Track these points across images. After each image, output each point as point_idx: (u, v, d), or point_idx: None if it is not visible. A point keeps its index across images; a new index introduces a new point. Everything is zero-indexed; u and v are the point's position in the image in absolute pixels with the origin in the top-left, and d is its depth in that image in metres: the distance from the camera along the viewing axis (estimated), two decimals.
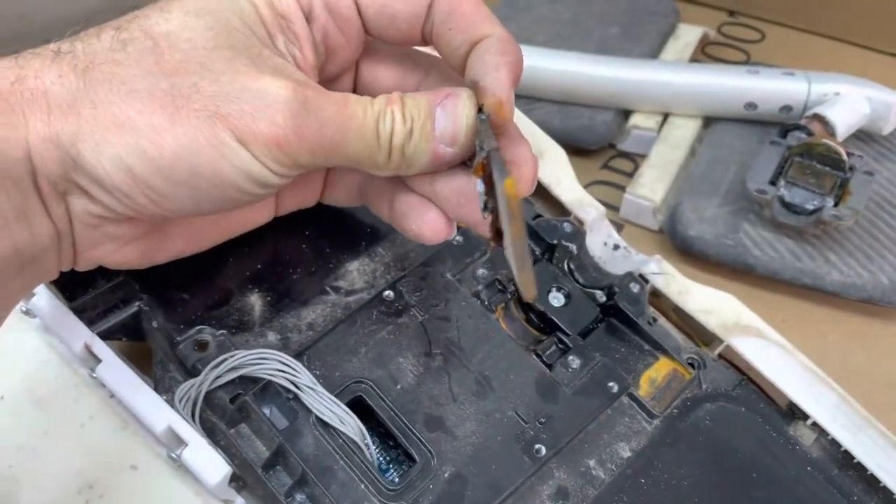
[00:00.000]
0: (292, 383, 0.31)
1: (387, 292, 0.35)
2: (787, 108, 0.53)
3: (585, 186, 0.43)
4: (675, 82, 0.54)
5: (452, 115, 0.25)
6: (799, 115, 0.52)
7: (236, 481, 0.30)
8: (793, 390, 0.36)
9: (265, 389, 0.31)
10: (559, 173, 0.42)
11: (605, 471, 0.32)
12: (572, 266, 0.38)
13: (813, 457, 0.35)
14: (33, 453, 0.30)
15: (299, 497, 0.30)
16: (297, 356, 0.32)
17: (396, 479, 0.31)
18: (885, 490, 0.34)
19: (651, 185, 0.52)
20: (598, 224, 0.41)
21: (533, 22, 0.61)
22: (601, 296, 0.37)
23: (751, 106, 0.53)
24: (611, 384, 0.34)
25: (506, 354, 0.34)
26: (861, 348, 0.46)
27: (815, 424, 0.35)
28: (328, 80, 0.29)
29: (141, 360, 0.33)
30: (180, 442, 0.29)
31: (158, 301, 0.33)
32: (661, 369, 0.36)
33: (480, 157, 0.25)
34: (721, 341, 0.37)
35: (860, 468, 0.34)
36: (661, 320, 0.38)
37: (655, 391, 0.35)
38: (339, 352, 0.33)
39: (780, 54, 0.62)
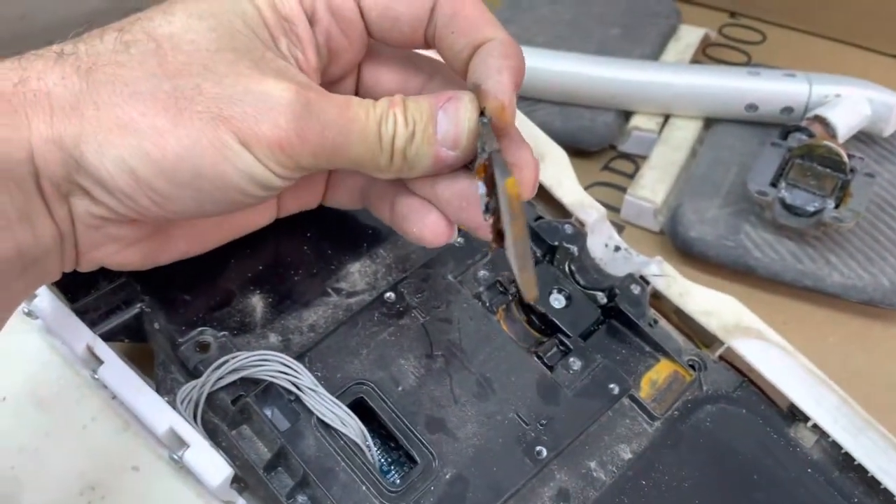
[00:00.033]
0: (294, 385, 0.31)
1: (388, 294, 0.35)
2: (788, 110, 0.53)
3: (586, 188, 0.43)
4: (675, 83, 0.54)
5: (454, 119, 0.26)
6: (800, 117, 0.52)
7: (238, 482, 0.30)
8: (793, 392, 0.36)
9: (267, 391, 0.31)
10: (560, 175, 0.42)
11: (606, 472, 0.33)
12: (573, 268, 0.38)
13: (813, 459, 0.35)
14: (35, 454, 0.30)
15: (301, 498, 0.30)
16: (299, 358, 0.32)
17: (398, 481, 0.31)
18: (886, 492, 0.34)
19: (652, 187, 0.52)
20: (599, 226, 0.41)
21: (534, 23, 0.61)
22: (602, 297, 0.37)
23: (752, 107, 0.53)
24: (612, 386, 0.34)
25: (507, 356, 0.34)
26: (862, 350, 0.46)
27: (815, 426, 0.35)
28: (330, 83, 0.29)
29: (143, 361, 0.33)
30: (182, 443, 0.29)
31: (160, 302, 0.34)
32: (661, 371, 0.36)
33: (482, 158, 0.25)
34: (722, 343, 0.37)
35: (861, 470, 0.34)
36: (662, 322, 0.38)
37: (656, 393, 0.35)
38: (340, 353, 0.33)
39: (780, 55, 0.62)
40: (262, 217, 0.32)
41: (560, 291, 0.37)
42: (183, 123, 0.23)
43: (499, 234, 0.26)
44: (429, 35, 0.27)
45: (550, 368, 0.34)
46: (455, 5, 0.26)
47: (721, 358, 0.38)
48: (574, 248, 0.38)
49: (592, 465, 0.33)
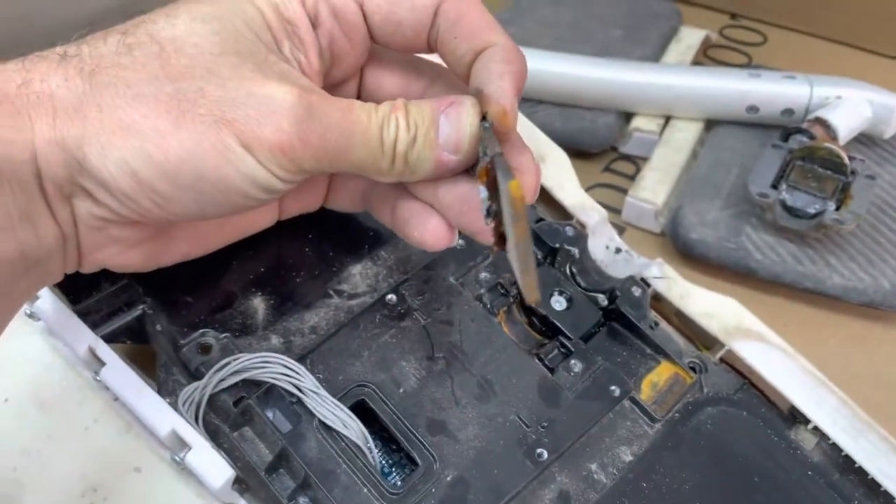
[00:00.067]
0: (295, 387, 0.31)
1: (389, 296, 0.35)
2: (788, 112, 0.53)
3: (587, 189, 0.43)
4: (676, 85, 0.55)
5: (456, 123, 0.26)
6: (801, 119, 0.52)
7: (239, 484, 0.30)
8: (794, 394, 0.36)
9: (268, 393, 0.32)
10: (561, 177, 0.42)
11: (607, 475, 0.33)
12: (574, 270, 0.38)
13: (814, 461, 0.35)
14: (37, 456, 0.30)
15: (302, 500, 0.30)
16: (301, 360, 0.32)
17: (399, 483, 0.32)
18: (886, 494, 0.34)
19: (653, 188, 0.52)
20: (600, 228, 0.41)
21: (535, 24, 0.61)
22: (603, 299, 0.38)
23: (752, 109, 0.53)
24: (612, 388, 0.34)
25: (508, 358, 0.34)
26: (862, 352, 0.46)
27: (816, 428, 0.35)
28: (333, 86, 0.29)
29: (145, 362, 0.33)
30: (184, 445, 0.29)
31: (162, 304, 0.34)
32: (662, 373, 0.36)
33: (484, 162, 0.25)
34: (722, 345, 0.37)
35: (861, 472, 0.34)
36: (663, 324, 0.38)
37: (657, 395, 0.36)
38: (341, 355, 0.33)
39: (781, 57, 0.63)
40: (263, 219, 0.32)
41: (561, 293, 0.37)
42: (185, 126, 0.24)
43: (500, 238, 0.26)
44: (431, 39, 0.27)
45: (551, 370, 0.35)
46: (458, 10, 0.26)
47: (722, 360, 0.38)
48: (575, 251, 0.38)
49: (593, 467, 0.33)
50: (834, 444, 0.35)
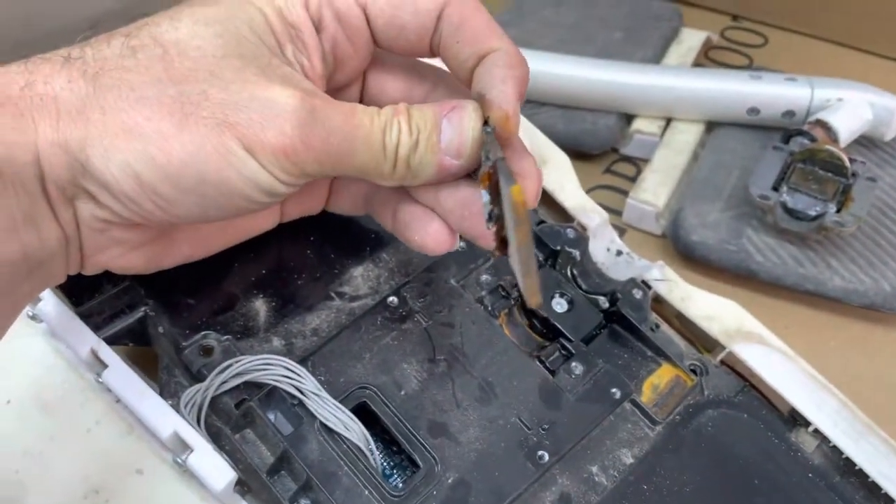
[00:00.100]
0: (297, 389, 0.31)
1: (391, 298, 0.35)
2: (789, 114, 0.53)
3: (588, 191, 0.43)
4: (677, 87, 0.55)
5: (458, 128, 0.26)
6: (802, 121, 0.52)
7: (240, 486, 0.31)
8: (795, 397, 0.36)
9: (270, 395, 0.32)
10: (562, 179, 0.42)
11: (608, 477, 0.33)
12: (575, 272, 0.38)
13: (815, 463, 0.35)
14: (40, 458, 0.30)
15: (303, 502, 0.30)
16: (302, 362, 0.33)
17: (400, 485, 0.32)
18: (887, 497, 0.34)
19: (654, 190, 0.52)
20: (601, 230, 0.41)
21: (536, 26, 0.61)
22: (604, 302, 0.38)
23: (753, 111, 0.53)
24: (613, 390, 0.35)
25: (509, 360, 0.34)
26: (863, 354, 0.46)
27: (816, 431, 0.36)
28: (336, 90, 0.29)
29: (147, 364, 0.33)
30: (186, 447, 0.29)
31: (164, 306, 0.34)
32: (663, 375, 0.36)
33: (486, 166, 0.25)
34: (723, 348, 0.38)
35: (861, 475, 0.35)
36: (664, 326, 0.38)
37: (658, 397, 0.36)
38: (343, 358, 0.33)
39: (782, 58, 0.63)
40: (265, 221, 0.32)
41: (562, 296, 0.37)
42: (188, 129, 0.24)
43: (502, 242, 0.26)
44: (434, 44, 0.27)
45: (552, 373, 0.35)
46: (461, 15, 0.26)
47: (722, 362, 0.38)
48: (576, 253, 0.38)
49: (594, 469, 0.33)
50: (834, 447, 0.35)
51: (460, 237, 0.29)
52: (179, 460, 0.29)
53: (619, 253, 0.41)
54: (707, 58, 0.64)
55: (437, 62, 0.29)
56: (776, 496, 0.33)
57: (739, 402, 0.36)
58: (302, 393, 0.31)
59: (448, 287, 0.36)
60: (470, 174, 0.27)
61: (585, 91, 0.55)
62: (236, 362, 0.31)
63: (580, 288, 0.38)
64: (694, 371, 0.37)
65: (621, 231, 0.52)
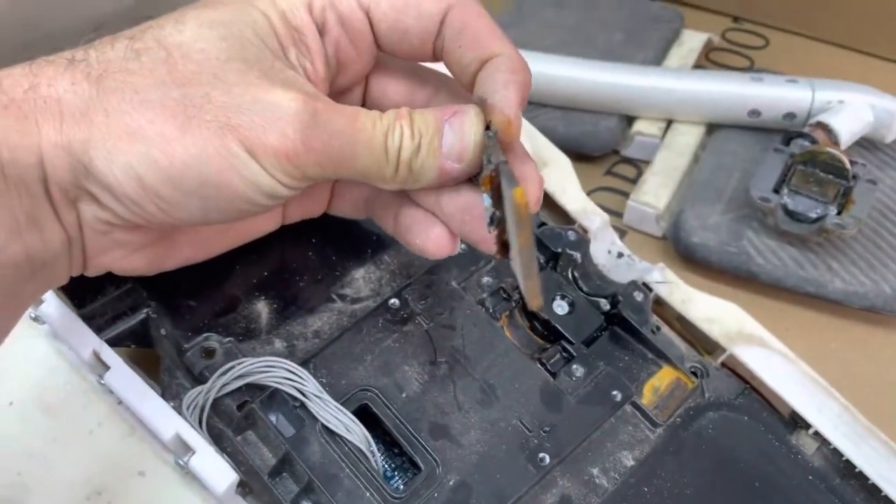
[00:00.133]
0: (299, 391, 0.32)
1: (392, 300, 0.35)
2: (790, 116, 0.53)
3: (589, 193, 0.43)
4: (678, 89, 0.55)
5: (460, 132, 0.26)
6: (802, 123, 0.52)
7: (242, 487, 0.31)
8: (795, 399, 0.36)
9: (272, 397, 0.32)
10: (564, 182, 0.42)
11: (609, 479, 0.33)
12: (576, 274, 0.38)
13: (815, 466, 0.35)
14: (42, 459, 0.30)
15: None
16: (304, 364, 0.33)
17: (401, 487, 0.32)
18: (887, 500, 0.34)
19: (654, 192, 0.52)
20: (602, 232, 0.41)
21: (538, 27, 0.61)
22: (605, 304, 0.38)
23: (754, 113, 0.53)
24: (614, 393, 0.35)
25: (510, 363, 0.35)
26: (863, 357, 0.46)
27: (817, 434, 0.36)
28: (338, 93, 0.29)
29: (149, 366, 0.33)
30: (188, 449, 0.29)
31: (166, 308, 0.34)
32: (664, 378, 0.36)
33: (488, 169, 0.25)
34: (724, 350, 0.38)
35: (862, 478, 0.35)
36: (665, 329, 0.38)
37: (658, 400, 0.36)
38: (345, 360, 0.33)
39: (783, 60, 0.63)
40: (266, 224, 0.32)
41: (563, 298, 0.37)
42: (191, 132, 0.24)
43: (503, 245, 0.26)
44: (437, 48, 0.27)
45: (553, 375, 0.35)
46: (464, 19, 0.26)
47: (723, 365, 0.38)
48: (577, 255, 0.39)
49: (595, 471, 0.33)
50: (835, 449, 0.35)
51: (461, 240, 0.29)
52: (181, 462, 0.29)
53: (620, 255, 0.41)
54: (708, 59, 0.64)
55: (439, 66, 0.29)
56: (776, 498, 0.33)
57: (740, 405, 0.36)
58: (304, 395, 0.32)
59: (449, 289, 0.36)
60: (471, 179, 0.27)
61: (586, 93, 0.55)
62: (238, 364, 0.31)
63: (581, 290, 0.38)
64: (695, 373, 0.37)
65: (622, 233, 0.52)
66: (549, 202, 0.42)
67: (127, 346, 0.34)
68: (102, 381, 0.31)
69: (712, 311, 0.39)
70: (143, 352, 0.34)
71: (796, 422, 0.36)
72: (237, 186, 0.24)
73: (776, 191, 0.48)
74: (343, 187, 0.32)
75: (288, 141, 0.24)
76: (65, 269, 0.26)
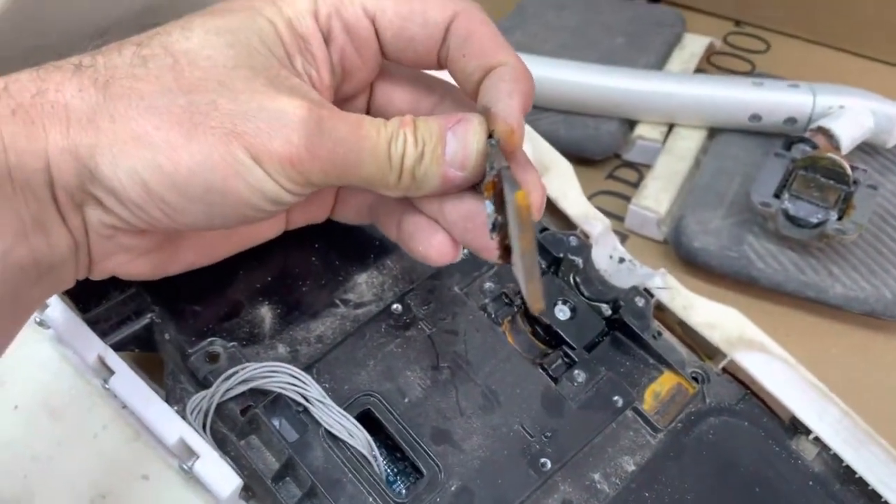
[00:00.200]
0: (302, 396, 0.32)
1: (395, 305, 0.35)
2: (791, 120, 0.53)
3: (590, 197, 0.43)
4: (680, 93, 0.55)
5: (463, 140, 0.26)
6: (803, 128, 0.53)
7: (245, 492, 0.31)
8: (795, 405, 0.36)
9: (275, 402, 0.32)
10: (565, 187, 0.42)
11: (610, 484, 0.33)
12: (578, 279, 0.38)
13: (815, 471, 0.35)
14: (47, 463, 0.30)
15: None
16: (307, 369, 0.33)
17: (404, 492, 0.32)
18: None
19: (656, 196, 0.52)
20: (603, 237, 0.41)
21: (539, 30, 0.62)
22: (606, 309, 0.38)
23: (755, 118, 0.54)
24: (616, 398, 0.35)
25: (512, 368, 0.35)
26: (864, 362, 0.46)
27: (817, 439, 0.36)
28: (343, 101, 0.29)
29: (153, 370, 0.34)
30: (192, 453, 0.30)
31: (170, 313, 0.34)
32: (665, 383, 0.37)
33: (491, 175, 0.25)
34: (725, 355, 0.38)
35: (862, 483, 0.35)
36: (666, 334, 0.38)
37: (660, 405, 0.36)
38: (347, 365, 0.33)
39: (784, 64, 0.63)
40: (270, 229, 0.33)
41: (565, 303, 0.37)
42: (197, 138, 0.24)
43: (506, 251, 0.26)
44: (442, 56, 0.28)
45: (555, 380, 0.35)
46: (469, 28, 0.27)
47: (724, 370, 0.38)
48: (579, 260, 0.39)
49: (596, 476, 0.33)
50: (835, 455, 0.35)
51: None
52: (185, 466, 0.30)
53: (621, 260, 0.41)
54: (709, 63, 0.64)
55: (444, 75, 0.29)
56: None
57: (740, 410, 0.36)
58: (307, 400, 0.32)
59: (452, 294, 0.36)
60: (474, 187, 0.27)
61: (588, 96, 0.55)
62: (242, 369, 0.32)
63: (583, 295, 0.38)
64: (695, 379, 0.37)
65: (623, 237, 0.52)
66: (550, 207, 0.42)
67: (131, 351, 0.34)
68: (107, 386, 0.31)
69: (713, 316, 0.39)
70: (147, 356, 0.35)
71: (796, 427, 0.36)
72: (242, 192, 0.25)
73: (777, 196, 0.48)
74: (347, 194, 0.32)
75: (293, 148, 0.24)
76: (70, 272, 0.27)
